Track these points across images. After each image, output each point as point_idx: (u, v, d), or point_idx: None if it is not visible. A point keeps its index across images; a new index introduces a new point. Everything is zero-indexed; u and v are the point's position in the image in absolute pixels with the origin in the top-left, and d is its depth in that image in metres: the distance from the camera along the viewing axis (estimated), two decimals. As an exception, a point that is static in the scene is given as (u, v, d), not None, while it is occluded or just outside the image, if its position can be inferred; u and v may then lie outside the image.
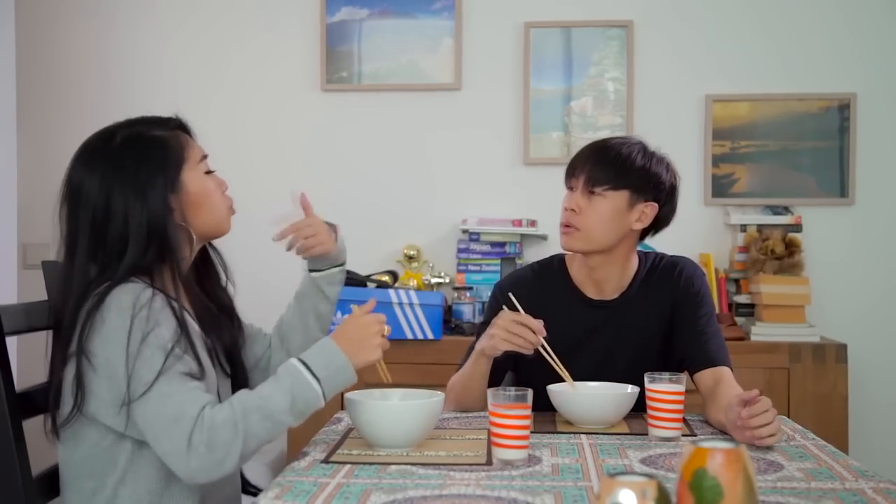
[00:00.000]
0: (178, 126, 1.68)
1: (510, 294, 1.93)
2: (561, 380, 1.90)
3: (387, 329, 1.59)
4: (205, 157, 1.67)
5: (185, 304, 1.60)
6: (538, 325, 1.85)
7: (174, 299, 1.55)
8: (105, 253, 1.55)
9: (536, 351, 1.87)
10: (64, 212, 1.61)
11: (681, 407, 1.73)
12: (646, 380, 1.75)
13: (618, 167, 1.95)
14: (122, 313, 1.46)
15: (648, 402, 1.74)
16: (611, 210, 1.96)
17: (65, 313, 1.53)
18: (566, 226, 1.99)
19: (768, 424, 1.62)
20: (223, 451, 1.42)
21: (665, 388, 1.72)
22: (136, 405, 1.44)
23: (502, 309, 1.94)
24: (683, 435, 1.76)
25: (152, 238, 1.55)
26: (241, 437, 1.43)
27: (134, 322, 1.46)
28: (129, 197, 1.55)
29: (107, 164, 1.59)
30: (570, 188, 2.00)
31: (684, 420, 1.89)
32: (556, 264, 2.13)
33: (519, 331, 1.84)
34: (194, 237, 1.63)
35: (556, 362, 1.89)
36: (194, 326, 1.61)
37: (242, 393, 1.48)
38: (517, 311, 1.89)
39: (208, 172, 1.67)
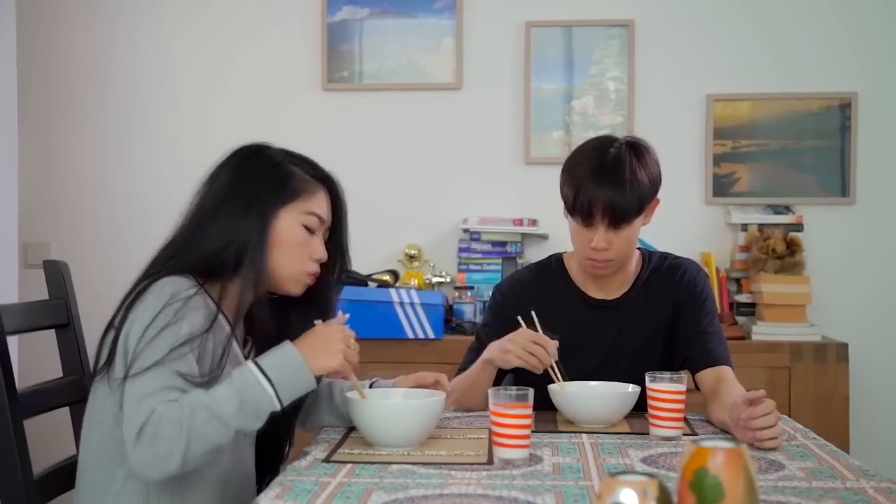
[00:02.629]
0: (324, 179, 1.71)
1: (532, 313, 1.92)
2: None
3: (352, 342, 1.55)
4: (322, 221, 1.67)
5: (229, 317, 1.63)
6: (553, 347, 1.85)
7: (217, 305, 1.58)
8: (203, 238, 1.61)
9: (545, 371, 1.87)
10: (198, 193, 1.67)
11: (682, 406, 1.73)
12: (647, 379, 1.75)
13: (636, 198, 1.91)
14: (157, 300, 1.51)
15: (649, 402, 1.74)
16: (636, 231, 1.97)
17: (145, 277, 1.59)
18: (600, 262, 1.95)
19: (770, 427, 1.62)
20: (166, 447, 1.41)
21: (666, 388, 1.72)
22: (127, 383, 1.47)
23: (502, 310, 1.96)
24: (684, 434, 1.76)
25: (234, 247, 1.59)
26: (185, 436, 1.41)
27: (162, 311, 1.50)
28: (238, 203, 1.61)
29: (241, 170, 1.66)
30: (586, 225, 1.93)
31: (685, 419, 1.89)
32: (554, 264, 2.12)
33: (535, 351, 1.84)
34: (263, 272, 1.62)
35: (559, 378, 1.89)
36: (235, 345, 1.63)
37: (195, 392, 1.46)
38: (535, 329, 1.89)
39: (312, 233, 1.66)
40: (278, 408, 1.48)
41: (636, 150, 1.96)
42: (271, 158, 1.68)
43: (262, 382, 1.46)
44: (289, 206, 1.64)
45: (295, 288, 1.67)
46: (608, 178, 1.91)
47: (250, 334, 1.71)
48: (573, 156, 2.00)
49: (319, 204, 1.68)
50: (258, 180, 1.64)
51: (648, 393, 1.74)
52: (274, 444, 1.72)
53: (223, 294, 1.60)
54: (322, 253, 1.68)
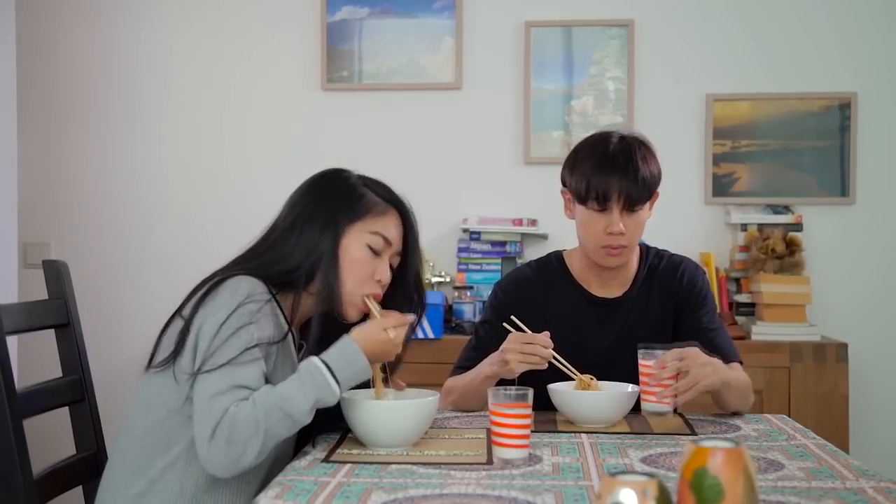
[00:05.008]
0: (396, 203, 1.74)
1: (512, 317, 1.93)
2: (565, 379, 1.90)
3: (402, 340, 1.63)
4: (388, 243, 1.70)
5: (295, 332, 1.69)
6: (545, 339, 1.85)
7: (288, 321, 1.65)
8: (279, 253, 1.67)
9: (550, 363, 1.87)
10: (286, 206, 1.74)
11: (673, 382, 1.77)
12: (639, 354, 1.77)
13: (649, 183, 1.97)
14: (233, 296, 1.56)
15: (641, 377, 1.77)
16: (645, 218, 2.01)
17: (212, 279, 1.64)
18: (615, 248, 1.98)
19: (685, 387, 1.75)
20: (242, 447, 1.46)
21: (661, 363, 1.74)
22: (198, 379, 1.51)
23: (503, 308, 1.97)
24: (684, 434, 1.76)
25: (309, 262, 1.65)
26: (261, 435, 1.46)
27: (238, 309, 1.54)
28: (313, 222, 1.68)
29: (317, 190, 1.73)
30: (601, 210, 1.96)
31: (684, 419, 1.90)
32: (555, 261, 2.13)
33: (531, 349, 1.85)
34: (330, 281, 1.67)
35: (569, 369, 1.90)
36: (293, 354, 1.68)
37: (265, 391, 1.50)
38: (522, 331, 1.89)
39: (377, 254, 1.69)
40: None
41: (639, 140, 2.02)
42: (346, 180, 1.75)
43: (333, 387, 1.53)
44: (357, 223, 1.68)
45: (351, 311, 1.69)
46: (621, 162, 1.96)
47: (303, 339, 1.73)
48: (577, 150, 2.05)
49: (386, 225, 1.71)
50: (331, 199, 1.70)
51: (641, 368, 1.76)
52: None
53: (296, 306, 1.66)
54: (386, 275, 1.70)
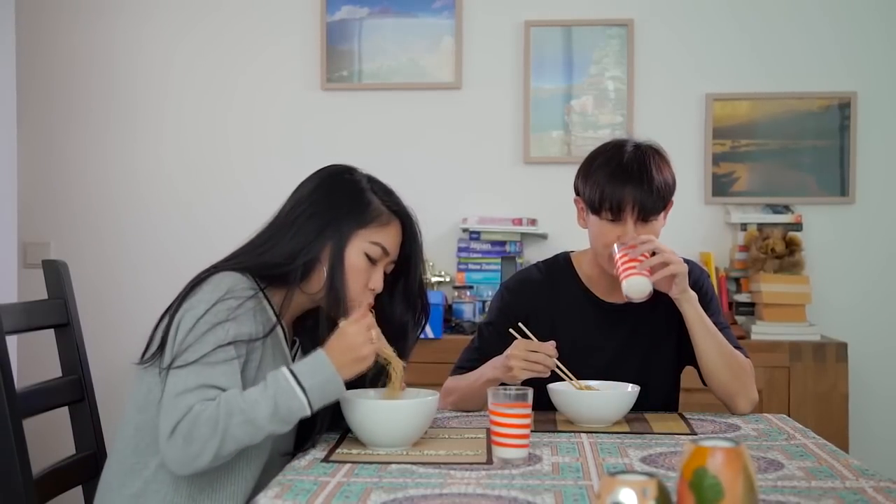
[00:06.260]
0: (400, 213, 1.73)
1: (520, 324, 1.92)
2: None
3: (374, 334, 1.56)
4: (385, 253, 1.69)
5: (286, 326, 1.68)
6: (550, 347, 1.85)
7: (278, 315, 1.63)
8: (274, 246, 1.65)
9: (552, 372, 1.87)
10: (290, 199, 1.72)
11: (646, 262, 1.88)
12: (615, 248, 1.91)
13: (663, 193, 1.95)
14: (213, 292, 1.56)
15: (620, 263, 1.88)
16: (659, 228, 1.99)
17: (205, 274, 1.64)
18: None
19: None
20: (199, 446, 1.45)
21: (632, 242, 1.90)
22: (169, 374, 1.51)
23: (509, 309, 1.98)
24: (684, 434, 1.76)
25: (303, 260, 1.63)
26: (219, 437, 1.45)
27: (216, 305, 1.54)
28: (315, 220, 1.65)
29: (324, 188, 1.71)
30: (614, 220, 1.94)
31: (684, 420, 1.90)
32: (562, 263, 2.12)
33: (536, 358, 1.84)
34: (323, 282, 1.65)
35: (571, 379, 1.90)
36: (283, 351, 1.67)
37: (231, 394, 1.49)
38: (528, 338, 1.89)
39: (373, 263, 1.68)
40: (309, 413, 1.50)
41: (654, 148, 2.00)
42: (356, 183, 1.72)
43: (296, 390, 1.48)
44: (360, 232, 1.66)
45: (345, 316, 1.66)
46: (635, 171, 1.93)
47: (297, 335, 1.73)
48: (591, 159, 2.02)
49: (387, 236, 1.70)
50: (338, 201, 1.68)
51: (618, 259, 1.89)
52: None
53: (287, 302, 1.64)
54: (379, 284, 1.69)
